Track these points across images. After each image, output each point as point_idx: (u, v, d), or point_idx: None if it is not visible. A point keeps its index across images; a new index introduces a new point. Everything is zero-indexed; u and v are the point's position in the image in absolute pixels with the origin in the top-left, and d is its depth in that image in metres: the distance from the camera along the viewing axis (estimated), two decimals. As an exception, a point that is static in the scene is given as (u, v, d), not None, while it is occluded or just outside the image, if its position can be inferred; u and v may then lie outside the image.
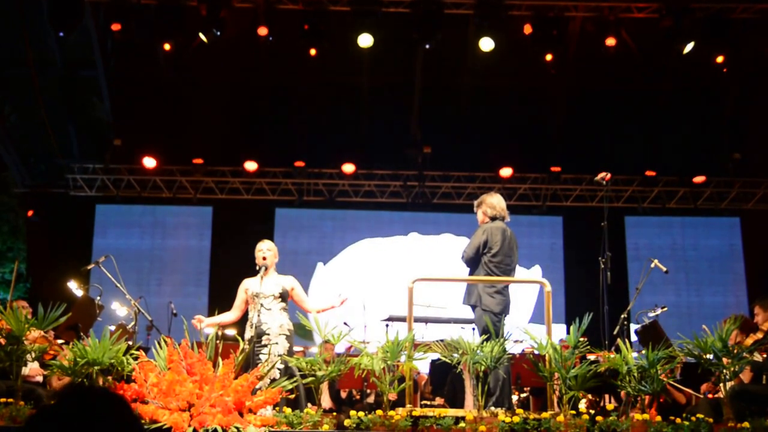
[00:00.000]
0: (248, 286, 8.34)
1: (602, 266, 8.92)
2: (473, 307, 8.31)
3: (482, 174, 16.89)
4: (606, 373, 7.19)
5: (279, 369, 7.63)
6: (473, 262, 8.36)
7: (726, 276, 16.97)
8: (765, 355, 7.76)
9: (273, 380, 7.27)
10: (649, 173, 16.78)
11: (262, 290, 8.09)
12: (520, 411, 6.79)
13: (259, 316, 7.99)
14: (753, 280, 16.70)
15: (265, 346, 7.84)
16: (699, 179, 16.79)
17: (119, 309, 12.00)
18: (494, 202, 8.67)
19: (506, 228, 8.49)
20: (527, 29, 14.20)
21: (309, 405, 7.63)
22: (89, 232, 16.93)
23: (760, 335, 7.91)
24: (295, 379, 7.23)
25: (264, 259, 8.28)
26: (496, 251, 8.28)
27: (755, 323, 8.29)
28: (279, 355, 7.80)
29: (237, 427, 6.02)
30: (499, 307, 8.16)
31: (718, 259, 17.18)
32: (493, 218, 8.56)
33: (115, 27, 14.31)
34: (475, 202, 8.79)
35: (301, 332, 7.86)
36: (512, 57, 14.79)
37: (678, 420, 6.63)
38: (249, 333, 7.92)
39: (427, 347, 7.44)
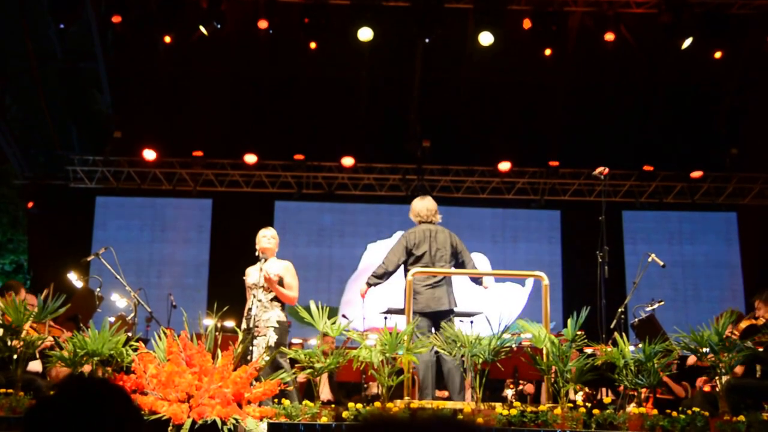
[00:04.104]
0: (248, 274, 8.39)
1: (600, 260, 8.95)
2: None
3: (481, 168, 16.91)
4: (603, 366, 7.23)
5: (264, 361, 7.64)
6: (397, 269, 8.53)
7: (722, 270, 17.03)
8: (762, 348, 7.80)
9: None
10: (646, 168, 16.80)
11: (258, 281, 8.12)
12: (517, 404, 6.83)
13: (251, 307, 8.03)
14: (749, 274, 16.75)
15: (255, 337, 7.86)
16: (696, 174, 16.83)
17: (119, 300, 12.03)
18: (417, 206, 8.92)
19: (431, 228, 8.66)
20: (526, 24, 14.24)
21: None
22: (89, 223, 16.96)
23: (761, 321, 7.95)
24: (281, 371, 7.17)
25: (264, 251, 8.32)
26: (419, 255, 8.45)
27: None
28: (265, 347, 7.83)
29: (236, 419, 6.05)
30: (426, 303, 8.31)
31: (714, 254, 17.22)
32: (420, 222, 8.77)
33: (116, 19, 14.34)
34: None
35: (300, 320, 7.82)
36: (511, 51, 14.82)
37: (674, 413, 6.68)
38: (244, 324, 7.97)
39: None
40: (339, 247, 17.16)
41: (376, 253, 16.55)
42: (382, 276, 8.49)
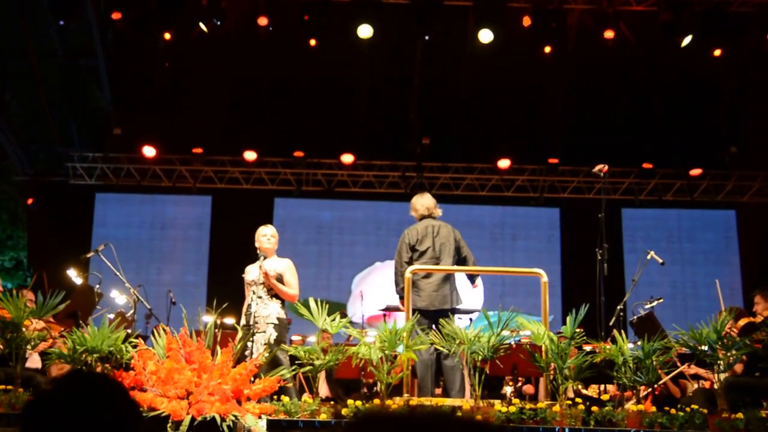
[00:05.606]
0: (247, 272, 8.40)
1: (599, 258, 8.95)
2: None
3: (480, 165, 16.90)
4: (602, 363, 7.24)
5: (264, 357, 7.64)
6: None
7: (721, 268, 17.01)
8: (760, 346, 7.80)
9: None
10: (646, 165, 16.77)
11: (258, 278, 8.12)
12: (516, 401, 6.84)
13: (251, 304, 8.03)
14: (748, 272, 16.75)
15: (254, 334, 7.87)
16: (695, 172, 16.81)
17: (118, 297, 12.04)
18: (416, 203, 8.91)
19: (433, 224, 8.66)
20: (526, 21, 14.24)
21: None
22: (89, 220, 16.95)
23: (759, 319, 7.96)
24: (280, 368, 7.17)
25: (263, 251, 8.32)
26: (423, 250, 8.45)
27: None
28: (264, 344, 7.82)
29: (235, 415, 6.06)
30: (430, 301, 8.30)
31: (713, 252, 17.23)
32: (421, 218, 8.76)
33: (116, 16, 14.36)
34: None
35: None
36: (511, 49, 14.81)
37: (673, 411, 6.69)
38: (243, 321, 7.97)
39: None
40: (338, 245, 17.16)
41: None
42: (401, 281, 8.48)
